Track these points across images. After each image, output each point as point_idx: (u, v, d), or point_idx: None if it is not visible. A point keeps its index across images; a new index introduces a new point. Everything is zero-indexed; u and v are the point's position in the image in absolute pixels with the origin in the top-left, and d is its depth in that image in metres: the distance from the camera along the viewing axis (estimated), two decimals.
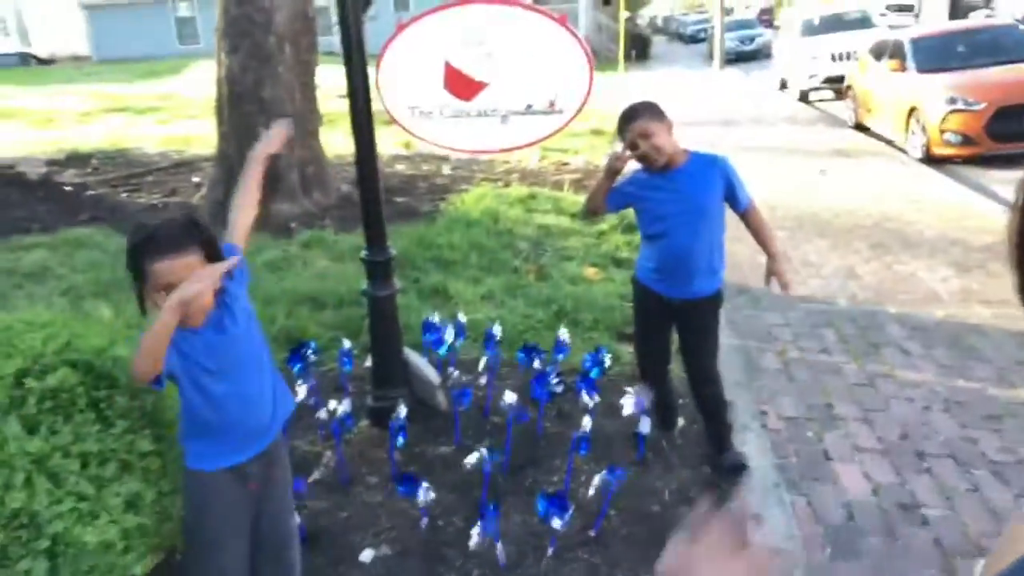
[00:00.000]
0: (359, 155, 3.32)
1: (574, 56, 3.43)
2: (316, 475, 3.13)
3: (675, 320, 3.07)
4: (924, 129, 8.94)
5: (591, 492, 2.74)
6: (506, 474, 3.08)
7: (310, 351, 3.43)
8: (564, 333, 3.70)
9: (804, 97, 15.33)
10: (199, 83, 18.31)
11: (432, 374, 3.61)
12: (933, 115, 8.75)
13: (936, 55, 9.79)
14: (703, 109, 14.20)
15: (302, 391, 3.38)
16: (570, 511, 2.55)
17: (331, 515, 2.89)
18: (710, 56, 26.62)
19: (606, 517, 2.79)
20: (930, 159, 8.85)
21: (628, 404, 3.10)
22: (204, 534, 2.05)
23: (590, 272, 5.35)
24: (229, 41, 6.69)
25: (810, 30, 16.00)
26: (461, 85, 3.49)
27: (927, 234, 6.19)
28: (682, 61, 30.01)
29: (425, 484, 2.65)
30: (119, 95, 17.25)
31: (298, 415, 3.44)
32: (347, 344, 3.68)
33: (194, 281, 1.76)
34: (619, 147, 2.89)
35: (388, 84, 3.49)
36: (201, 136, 10.71)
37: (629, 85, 17.63)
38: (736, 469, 3.07)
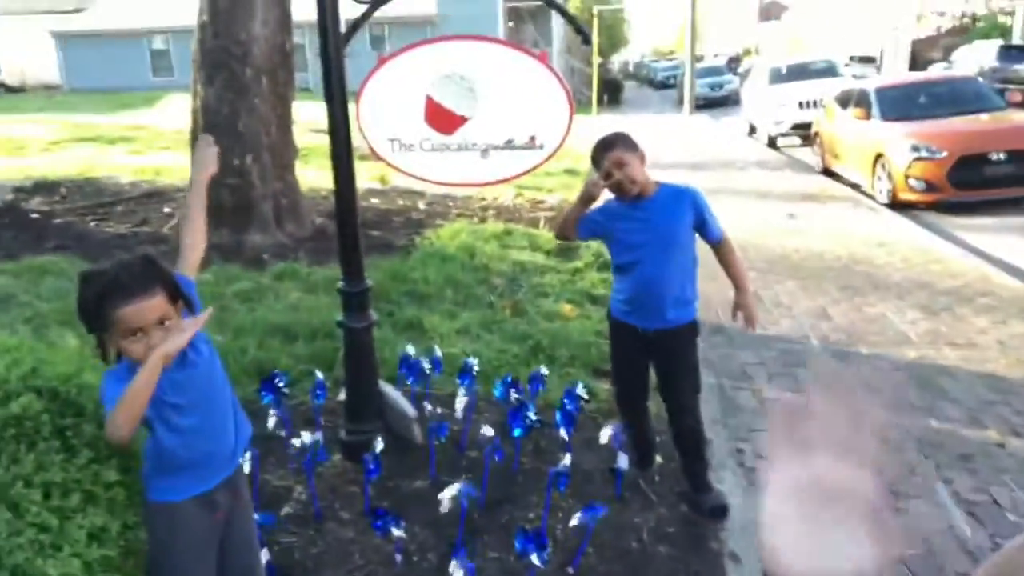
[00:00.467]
0: (337, 185, 3.31)
1: (554, 93, 3.46)
2: (287, 509, 3.04)
3: (651, 354, 3.06)
4: (890, 175, 9.18)
5: (570, 527, 2.69)
6: (482, 510, 3.03)
7: (281, 383, 3.36)
8: (543, 368, 3.68)
9: (772, 143, 15.68)
10: (172, 115, 18.22)
11: (408, 407, 3.56)
12: (898, 162, 8.99)
13: (900, 104, 10.10)
14: (674, 152, 14.45)
15: (272, 423, 3.31)
16: (548, 548, 2.50)
17: (302, 551, 2.80)
18: (680, 101, 27.19)
19: (584, 554, 2.75)
20: (896, 204, 9.07)
21: (605, 437, 3.08)
22: (170, 567, 1.99)
23: (566, 309, 5.35)
24: (205, 72, 6.67)
25: (777, 78, 16.43)
26: (442, 119, 3.50)
27: (895, 277, 6.31)
28: (653, 106, 30.64)
29: (399, 519, 2.59)
30: (90, 125, 17.08)
31: (269, 448, 3.38)
32: (320, 376, 3.62)
33: (175, 335, 1.76)
34: (595, 176, 2.94)
35: (369, 117, 3.49)
36: (173, 167, 10.61)
37: (602, 128, 17.87)
38: (717, 511, 3.05)
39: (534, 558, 2.47)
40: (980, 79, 12.78)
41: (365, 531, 2.87)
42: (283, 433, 3.35)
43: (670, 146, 15.46)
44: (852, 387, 0.60)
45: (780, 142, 15.58)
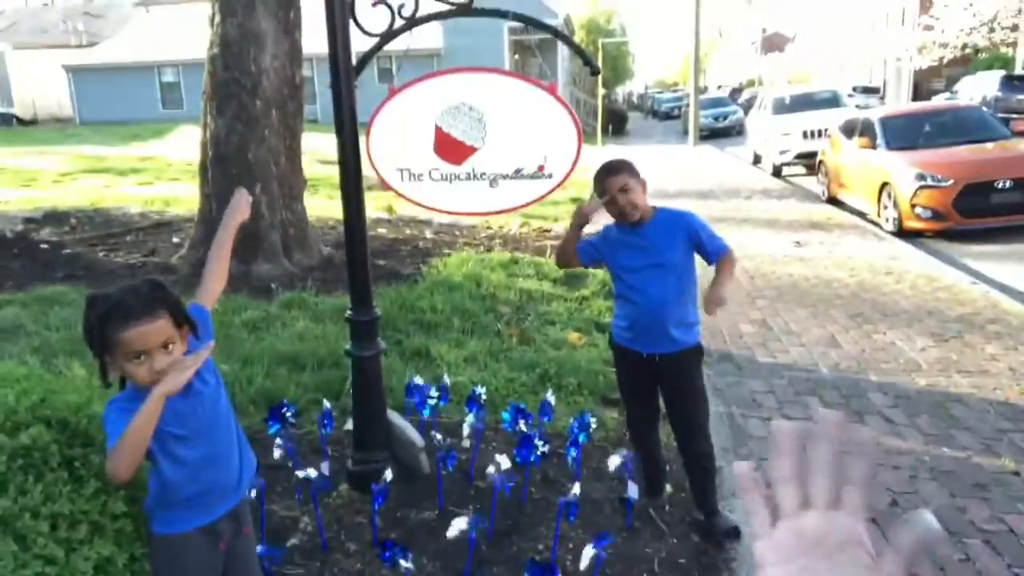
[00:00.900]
0: (347, 214, 3.33)
1: (563, 123, 3.49)
2: (294, 541, 3.01)
3: (657, 379, 3.05)
4: (896, 204, 9.18)
5: (582, 562, 2.65)
6: (491, 541, 2.99)
7: (288, 413, 3.35)
8: (550, 396, 3.66)
9: (777, 172, 15.74)
10: (182, 146, 18.42)
11: (415, 437, 3.54)
12: (904, 190, 9.00)
13: (904, 133, 10.14)
14: (680, 182, 14.52)
15: (279, 453, 3.29)
16: None
17: None
18: (684, 132, 27.38)
19: None
20: (902, 232, 9.07)
21: (614, 466, 3.05)
22: None
23: (573, 337, 5.34)
24: (215, 104, 6.75)
25: (781, 108, 16.54)
26: (451, 149, 3.53)
27: (903, 304, 6.28)
28: (657, 136, 30.85)
29: (407, 551, 2.56)
30: (101, 156, 17.28)
31: (275, 478, 3.35)
32: (327, 405, 3.61)
33: (178, 371, 1.75)
34: (595, 202, 2.97)
35: (379, 147, 3.52)
36: (182, 197, 10.71)
37: (607, 158, 17.97)
38: (730, 533, 3.02)
39: None
40: (984, 108, 12.85)
41: (372, 562, 2.83)
42: (290, 463, 3.33)
43: (676, 176, 15.54)
44: (823, 441, 0.59)
45: (785, 171, 15.64)
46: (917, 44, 28.22)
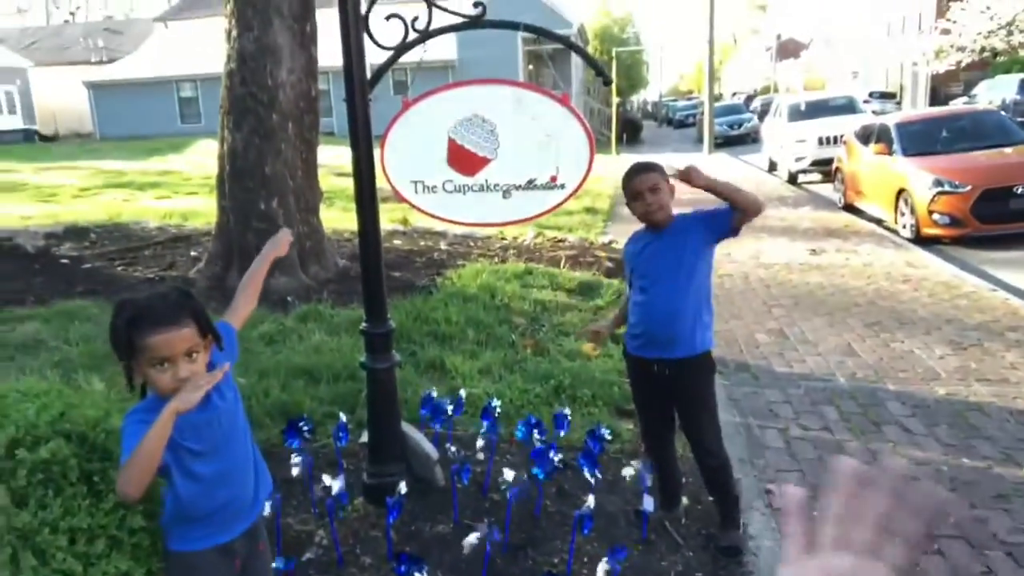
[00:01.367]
0: (362, 227, 3.35)
1: (575, 133, 3.50)
2: (309, 555, 3.02)
3: (669, 389, 3.03)
4: (913, 210, 9.11)
5: (597, 575, 2.64)
6: (505, 554, 2.99)
7: (306, 427, 3.37)
8: (565, 408, 3.66)
9: (793, 179, 15.67)
10: (200, 160, 18.63)
11: (430, 449, 3.54)
12: (921, 196, 8.93)
13: (921, 139, 10.06)
14: (695, 190, 14.45)
15: (295, 467, 3.31)
16: None
17: None
18: (699, 139, 27.35)
19: None
20: (920, 239, 8.99)
21: (630, 479, 3.04)
22: None
23: (588, 348, 5.31)
24: (233, 118, 6.82)
25: (797, 115, 16.47)
26: (465, 161, 3.55)
27: (921, 312, 6.22)
28: (672, 144, 30.81)
29: (422, 564, 2.56)
30: (120, 171, 17.51)
31: (290, 492, 3.37)
32: (343, 418, 3.62)
33: (191, 389, 1.76)
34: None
35: (393, 159, 3.55)
36: (201, 211, 10.82)
37: (622, 167, 17.99)
38: (728, 551, 3.00)
39: None
40: (1003, 112, 12.73)
41: None
42: (306, 477, 3.35)
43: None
44: (881, 491, 0.58)
45: (801, 178, 15.56)
46: (934, 48, 28.01)
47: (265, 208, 6.75)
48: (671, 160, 2.88)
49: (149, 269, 7.86)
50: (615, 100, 28.30)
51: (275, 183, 6.79)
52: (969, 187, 8.60)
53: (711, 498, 3.15)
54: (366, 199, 3.32)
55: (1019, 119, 14.68)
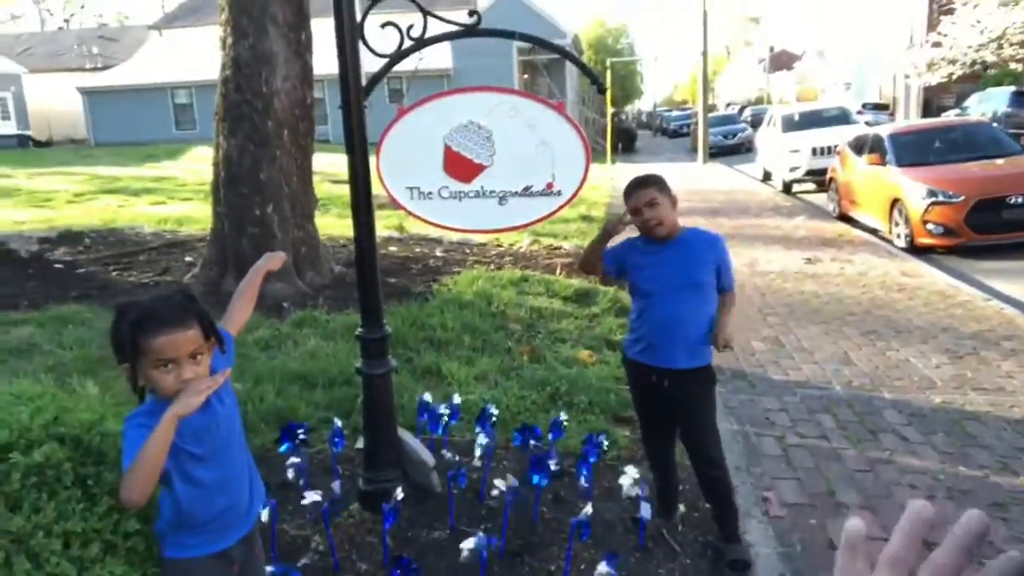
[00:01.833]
0: (357, 233, 3.34)
1: (571, 140, 3.50)
2: (305, 560, 2.99)
3: (670, 398, 3.03)
4: (907, 220, 9.15)
5: None
6: (502, 560, 2.97)
7: (301, 432, 3.35)
8: (562, 415, 3.65)
9: (787, 189, 15.73)
10: (195, 167, 18.61)
11: (426, 455, 3.53)
12: (915, 206, 8.97)
13: (915, 150, 10.12)
14: (690, 200, 14.51)
15: (291, 472, 3.29)
16: None
17: None
18: (694, 149, 27.45)
19: None
20: (914, 249, 9.03)
21: (627, 485, 3.03)
22: None
23: (584, 355, 5.32)
24: (228, 125, 6.82)
25: (791, 125, 16.54)
26: (460, 167, 3.55)
27: (917, 321, 6.24)
28: (667, 154, 30.91)
29: (418, 571, 2.55)
30: (115, 176, 17.46)
31: (286, 498, 3.35)
32: (338, 424, 3.61)
33: (192, 393, 1.75)
34: (626, 219, 2.98)
35: (388, 166, 3.55)
36: (195, 217, 10.79)
37: (617, 176, 18.05)
38: (737, 565, 2.98)
39: None
40: (994, 124, 12.81)
41: None
42: (301, 482, 3.33)
43: (686, 193, 15.52)
44: (955, 545, 0.55)
45: (795, 188, 15.62)
46: (926, 61, 28.21)
47: (260, 214, 6.74)
48: (721, 328, 2.93)
49: (144, 274, 7.84)
50: (610, 110, 28.37)
51: (270, 189, 6.78)
52: (962, 197, 8.64)
53: (710, 508, 3.13)
54: (361, 205, 3.32)
55: (1010, 131, 14.79)
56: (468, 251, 9.18)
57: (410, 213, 3.64)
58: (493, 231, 4.11)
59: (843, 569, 0.57)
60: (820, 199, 13.54)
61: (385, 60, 3.32)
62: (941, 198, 8.75)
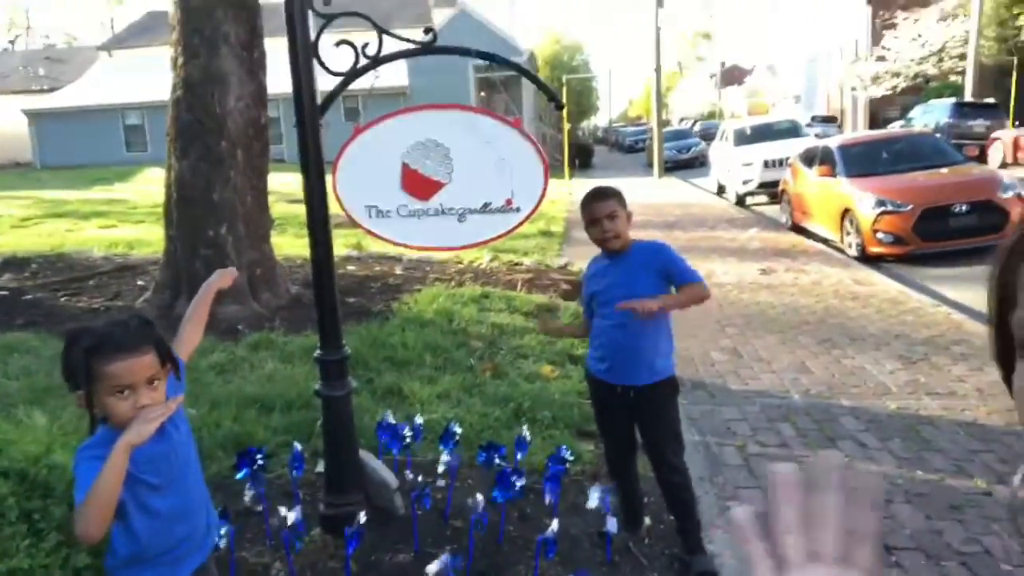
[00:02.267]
0: (314, 253, 3.30)
1: (529, 157, 3.50)
2: None
3: (632, 411, 3.04)
4: (858, 229, 9.37)
5: None
6: None
7: (259, 456, 3.27)
8: (525, 431, 3.62)
9: (741, 201, 16.02)
10: (147, 189, 18.24)
11: (389, 477, 3.47)
12: (865, 216, 9.20)
13: (863, 161, 10.39)
14: (646, 213, 14.68)
15: (249, 497, 3.21)
16: None
17: None
18: (649, 164, 27.81)
19: None
20: (866, 257, 9.25)
21: (593, 500, 3.02)
22: None
23: (546, 370, 5.31)
24: (180, 146, 6.70)
25: (743, 139, 16.87)
26: (419, 185, 3.52)
27: (870, 328, 6.37)
28: (623, 168, 31.26)
29: None
30: (63, 200, 17.03)
31: (245, 524, 3.27)
32: (298, 447, 3.53)
33: (143, 422, 1.70)
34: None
35: (345, 185, 3.50)
36: (147, 239, 10.56)
37: (575, 191, 18.18)
38: None
39: None
40: (937, 135, 13.24)
41: None
42: (260, 508, 3.25)
43: (642, 207, 15.69)
44: (828, 488, 0.55)
45: (749, 200, 15.91)
46: (871, 74, 29.09)
47: (214, 235, 6.62)
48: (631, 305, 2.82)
49: (94, 299, 7.62)
50: (566, 126, 28.62)
51: (224, 210, 6.66)
52: (910, 207, 8.89)
53: (674, 519, 3.14)
54: (318, 224, 3.28)
55: (953, 141, 15.29)
56: (428, 268, 9.14)
57: (369, 232, 3.60)
58: (453, 249, 4.07)
59: (754, 558, 0.57)
60: (773, 211, 13.81)
61: (340, 79, 3.29)
62: (890, 207, 8.98)
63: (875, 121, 29.91)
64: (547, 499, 3.20)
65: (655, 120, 26.26)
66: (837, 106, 35.12)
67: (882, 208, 9.03)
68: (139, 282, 8.26)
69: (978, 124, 19.64)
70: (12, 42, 55.43)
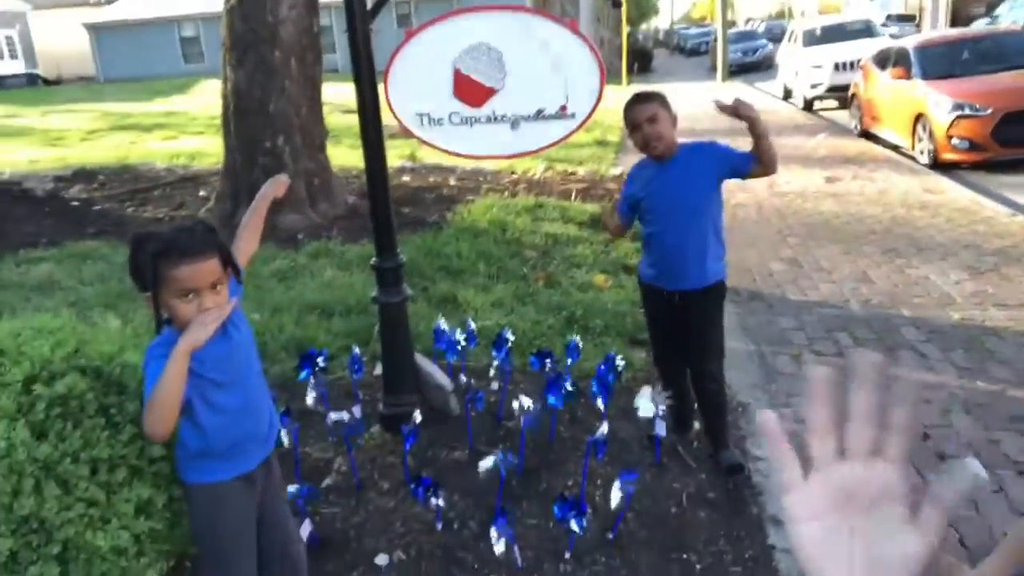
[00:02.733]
0: (368, 163, 3.31)
1: (585, 60, 3.40)
2: (328, 481, 3.08)
3: (680, 315, 3.04)
4: (931, 135, 8.91)
5: (611, 498, 2.67)
6: (520, 478, 3.04)
7: (320, 358, 3.40)
8: (577, 338, 3.66)
9: (808, 106, 15.34)
10: (205, 100, 18.43)
11: (444, 380, 3.57)
12: (940, 121, 8.72)
13: (941, 62, 9.77)
14: (709, 120, 14.19)
15: (311, 398, 3.35)
16: (588, 514, 2.50)
17: (344, 520, 2.84)
18: (713, 68, 26.72)
19: (623, 520, 2.74)
20: (938, 165, 8.82)
21: (643, 406, 3.06)
22: (218, 545, 2.01)
23: (599, 279, 5.31)
24: (235, 56, 6.70)
25: (812, 40, 16.01)
26: (471, 91, 3.47)
27: (938, 238, 6.14)
28: (684, 73, 30.12)
29: (439, 488, 2.61)
30: (126, 113, 17.36)
31: (308, 422, 3.42)
32: (357, 351, 3.65)
33: (199, 327, 1.76)
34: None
35: (397, 92, 3.47)
36: (207, 151, 10.75)
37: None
38: (732, 469, 3.04)
39: (573, 524, 2.48)
40: None
41: (405, 500, 2.90)
42: (322, 407, 3.39)
43: (704, 113, 15.17)
44: (862, 387, 0.55)
45: (817, 105, 15.23)
46: None
47: (271, 146, 6.69)
48: (717, 96, 2.77)
49: (159, 209, 7.86)
50: (625, 28, 27.53)
51: (280, 120, 6.71)
52: (990, 110, 8.37)
53: (702, 423, 3.20)
54: (371, 133, 3.27)
55: None
56: (482, 179, 9.10)
57: (421, 140, 3.58)
58: (506, 157, 4.02)
59: (784, 462, 0.58)
60: (842, 116, 13.20)
61: None
62: (968, 111, 8.48)
63: (957, 19, 27.92)
64: (597, 404, 3.25)
65: (720, 20, 25.04)
66: (916, 4, 32.85)
67: (959, 112, 8.53)
68: (201, 192, 8.46)
69: None
70: None
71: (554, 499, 2.59)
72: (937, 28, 26.77)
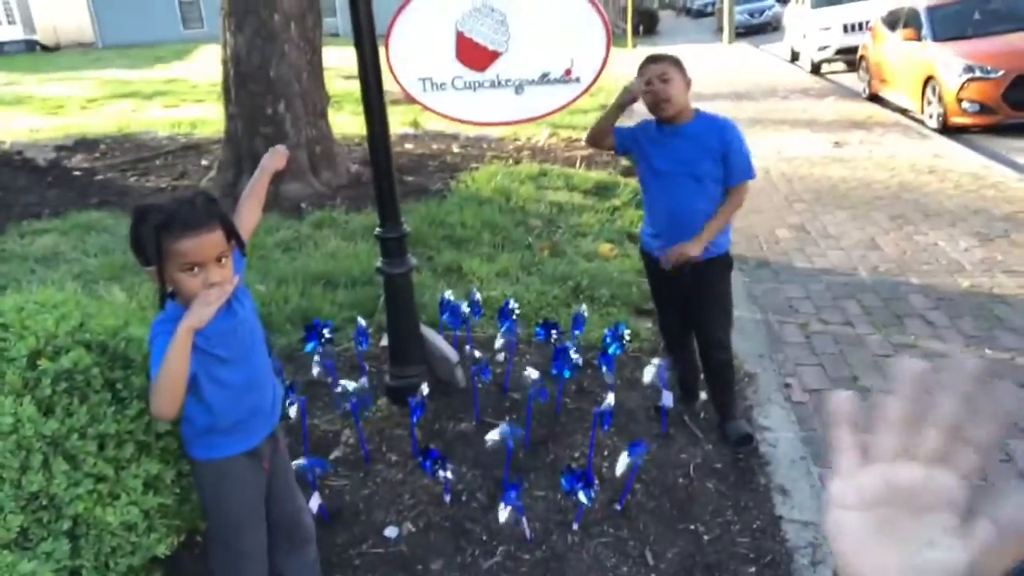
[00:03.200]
0: (370, 131, 3.25)
1: (590, 22, 3.33)
2: (336, 453, 3.09)
3: (684, 285, 3.00)
4: (941, 98, 8.78)
5: (617, 469, 2.68)
6: (527, 450, 3.04)
7: (326, 330, 3.38)
8: (583, 308, 3.64)
9: (816, 69, 15.11)
10: (205, 67, 18.23)
11: (450, 351, 3.56)
12: (950, 84, 8.58)
13: (952, 23, 9.58)
14: (714, 83, 14.01)
15: (317, 370, 3.35)
16: (595, 486, 2.50)
17: (353, 492, 2.85)
18: (719, 30, 26.32)
19: (631, 491, 2.75)
20: (947, 129, 8.70)
21: (649, 375, 3.05)
22: (227, 520, 2.02)
23: (605, 248, 5.27)
24: (234, 20, 6.60)
25: (821, 1, 15.71)
26: (474, 55, 3.40)
27: (947, 204, 6.08)
28: (690, 35, 29.67)
29: (447, 459, 2.61)
30: (126, 80, 17.18)
31: (315, 394, 3.42)
32: (362, 323, 3.64)
33: (202, 304, 1.74)
34: (636, 82, 2.88)
35: (399, 56, 3.41)
36: (209, 119, 10.65)
37: (638, 60, 17.41)
38: (741, 440, 3.03)
39: (581, 496, 2.48)
40: None
41: (414, 471, 2.91)
42: (329, 379, 3.39)
43: (710, 76, 14.97)
44: (951, 395, 0.52)
45: (824, 68, 15.00)
46: None
47: (272, 112, 6.62)
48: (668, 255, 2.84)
49: (162, 179, 7.81)
50: None
51: (281, 86, 6.62)
52: (1002, 72, 8.23)
53: (709, 393, 3.18)
54: (373, 99, 3.21)
55: None
56: (485, 146, 9.01)
57: (423, 106, 3.52)
58: (510, 123, 3.96)
59: (843, 447, 0.55)
60: (850, 80, 13.02)
61: None
62: (979, 73, 8.34)
63: None
64: (604, 374, 3.24)
65: None
66: None
67: (970, 75, 8.38)
68: (203, 161, 8.39)
69: None
70: None
71: (561, 471, 2.59)
72: None
